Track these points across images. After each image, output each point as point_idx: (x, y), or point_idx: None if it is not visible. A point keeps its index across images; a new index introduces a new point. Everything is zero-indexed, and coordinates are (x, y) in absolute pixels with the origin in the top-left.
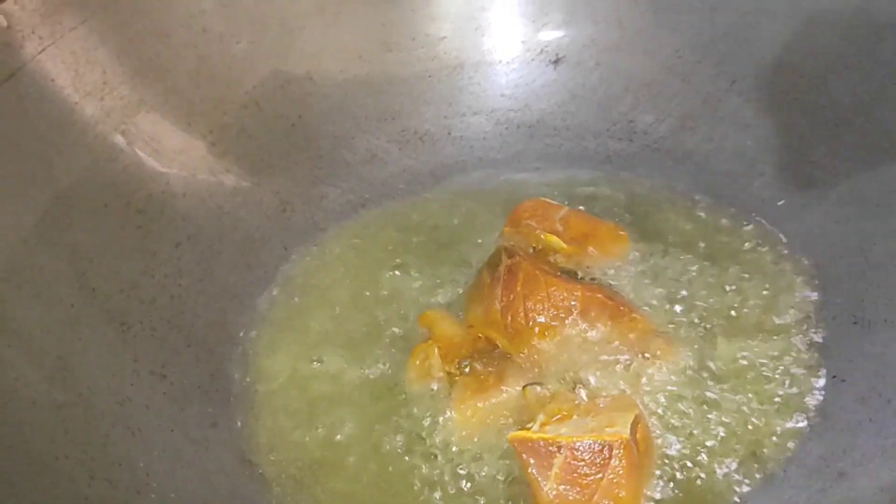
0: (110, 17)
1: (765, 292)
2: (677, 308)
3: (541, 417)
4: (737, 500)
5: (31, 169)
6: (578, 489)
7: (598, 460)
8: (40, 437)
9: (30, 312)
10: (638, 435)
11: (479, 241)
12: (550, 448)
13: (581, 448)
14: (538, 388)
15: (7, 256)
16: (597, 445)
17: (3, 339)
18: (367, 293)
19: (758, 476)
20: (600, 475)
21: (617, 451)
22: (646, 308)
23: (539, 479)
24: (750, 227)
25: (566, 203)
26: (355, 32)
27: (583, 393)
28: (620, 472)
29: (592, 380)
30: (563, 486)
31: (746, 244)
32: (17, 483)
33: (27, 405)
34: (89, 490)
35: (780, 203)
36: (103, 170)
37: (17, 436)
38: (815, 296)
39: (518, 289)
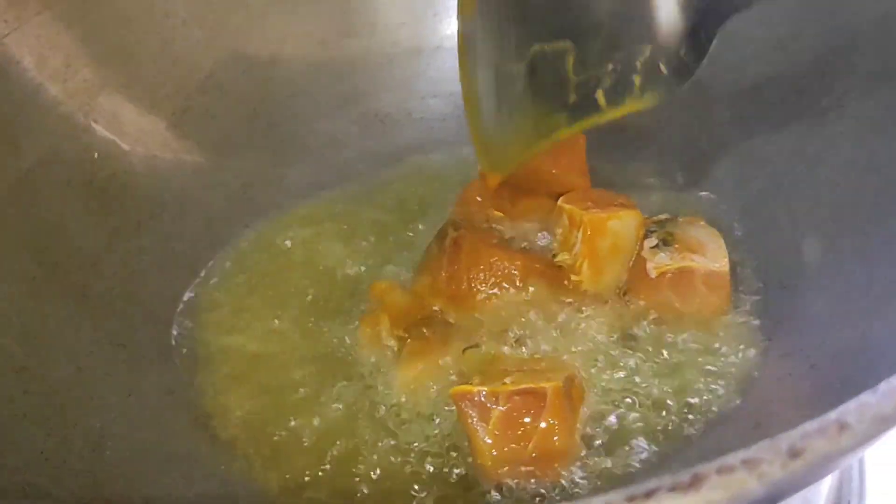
0: (75, 3)
1: None
2: None
3: (479, 377)
4: (655, 449)
5: None
6: (515, 437)
7: (532, 408)
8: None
9: None
10: (573, 393)
11: (435, 218)
12: (489, 400)
13: (516, 396)
14: (478, 350)
15: None
16: (531, 393)
17: None
18: (323, 268)
19: (684, 428)
20: (535, 423)
21: (551, 398)
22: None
23: (478, 430)
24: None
25: None
26: (317, 18)
27: (521, 353)
28: (554, 419)
29: (530, 342)
30: (500, 436)
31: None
32: None
33: None
34: (46, 446)
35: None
36: (66, 149)
37: None
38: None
39: (462, 259)
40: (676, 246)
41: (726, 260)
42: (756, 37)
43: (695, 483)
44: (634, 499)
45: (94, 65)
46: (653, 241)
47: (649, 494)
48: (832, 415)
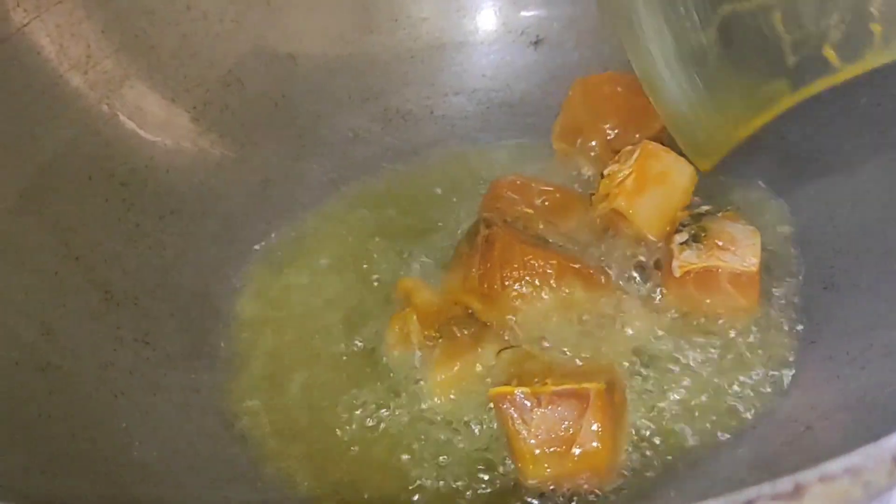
0: None
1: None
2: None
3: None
4: (707, 453)
5: (15, 140)
6: (558, 440)
7: (574, 411)
8: (24, 397)
9: (14, 279)
10: (615, 397)
11: (460, 215)
12: (530, 400)
13: (559, 397)
14: (514, 351)
15: None
16: (573, 395)
17: None
18: (347, 265)
19: (729, 430)
20: (578, 425)
21: (595, 401)
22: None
23: (520, 431)
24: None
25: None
26: (338, 14)
27: (558, 355)
28: (597, 422)
29: (566, 344)
30: (542, 437)
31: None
32: (1, 438)
33: (10, 366)
34: (71, 447)
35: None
36: (87, 142)
37: (1, 394)
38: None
39: (495, 257)
40: (706, 243)
41: (757, 260)
42: None
43: (797, 492)
44: None
45: (115, 56)
46: (684, 235)
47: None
48: None
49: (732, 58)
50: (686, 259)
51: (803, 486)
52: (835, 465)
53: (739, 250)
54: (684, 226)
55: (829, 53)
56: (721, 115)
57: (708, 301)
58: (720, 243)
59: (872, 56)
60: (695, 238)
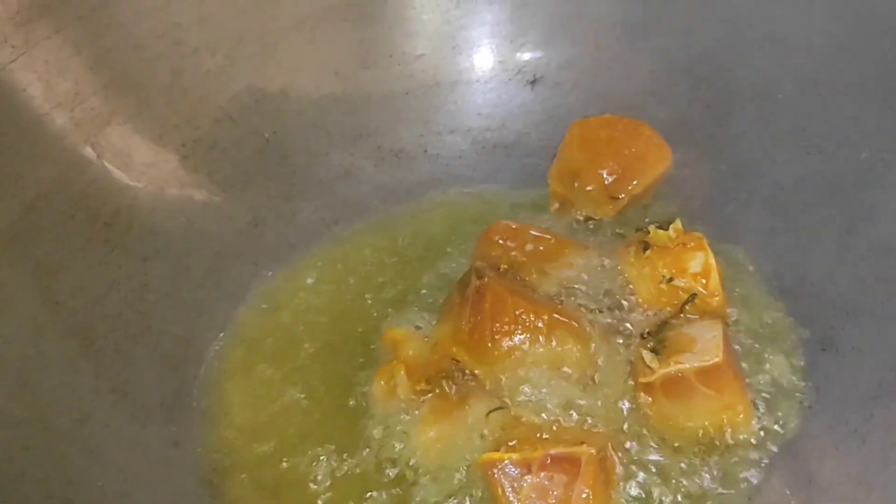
0: (84, 28)
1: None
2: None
3: (509, 444)
4: None
5: None
6: None
7: (565, 476)
8: None
9: None
10: (606, 463)
11: (452, 259)
12: (520, 467)
13: (550, 462)
14: (503, 412)
15: None
16: (565, 459)
17: None
18: (337, 311)
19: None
20: (569, 492)
21: (585, 467)
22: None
23: (510, 498)
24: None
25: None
26: (332, 49)
27: (548, 417)
28: (588, 488)
29: (557, 404)
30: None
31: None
32: None
33: None
34: None
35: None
36: (71, 181)
37: None
38: (788, 321)
39: (486, 309)
40: (664, 353)
41: (719, 350)
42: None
43: None
44: None
45: (102, 93)
46: (647, 353)
47: None
48: None
49: None
50: (647, 374)
51: None
52: None
53: (699, 347)
54: (646, 337)
55: None
56: None
57: (682, 415)
58: (679, 346)
59: None
60: (654, 351)
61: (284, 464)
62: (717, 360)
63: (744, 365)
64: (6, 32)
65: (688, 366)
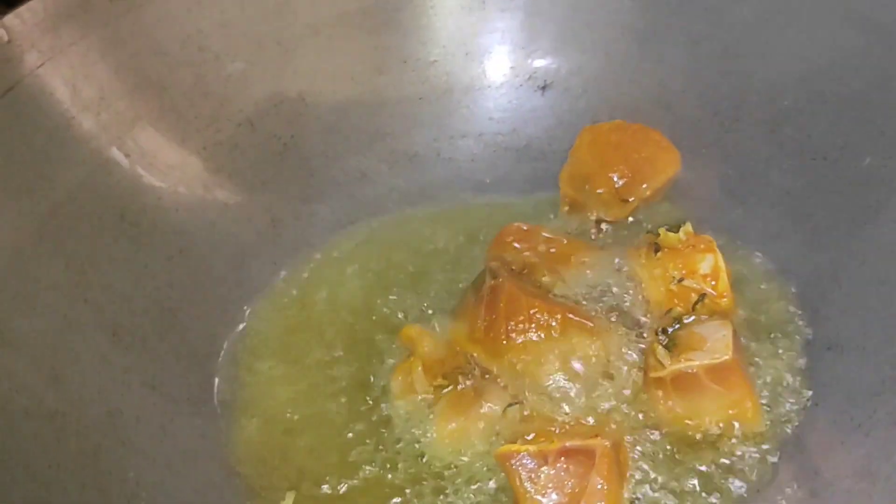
0: (109, 34)
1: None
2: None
3: (526, 438)
4: None
5: (28, 181)
6: (564, 496)
7: (581, 468)
8: (33, 446)
9: (24, 322)
10: (620, 455)
11: (465, 260)
12: (537, 458)
13: (565, 454)
14: (519, 408)
15: (3, 266)
16: (580, 452)
17: None
18: (354, 310)
19: (731, 493)
20: (584, 483)
21: (600, 458)
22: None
23: (528, 490)
24: (733, 252)
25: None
26: (348, 55)
27: (563, 411)
28: (603, 479)
29: (571, 400)
30: (549, 494)
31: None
32: (10, 491)
33: (21, 414)
34: (80, 499)
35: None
36: (99, 183)
37: (11, 444)
38: (795, 321)
39: (501, 308)
40: (674, 351)
41: (729, 349)
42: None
43: None
44: None
45: (127, 97)
46: (660, 349)
47: None
48: None
49: None
50: (658, 370)
51: None
52: None
53: (709, 346)
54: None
55: None
56: None
57: (693, 411)
58: (690, 345)
59: None
60: (666, 348)
61: (306, 456)
62: (726, 357)
63: (753, 362)
64: (33, 38)
65: (697, 363)
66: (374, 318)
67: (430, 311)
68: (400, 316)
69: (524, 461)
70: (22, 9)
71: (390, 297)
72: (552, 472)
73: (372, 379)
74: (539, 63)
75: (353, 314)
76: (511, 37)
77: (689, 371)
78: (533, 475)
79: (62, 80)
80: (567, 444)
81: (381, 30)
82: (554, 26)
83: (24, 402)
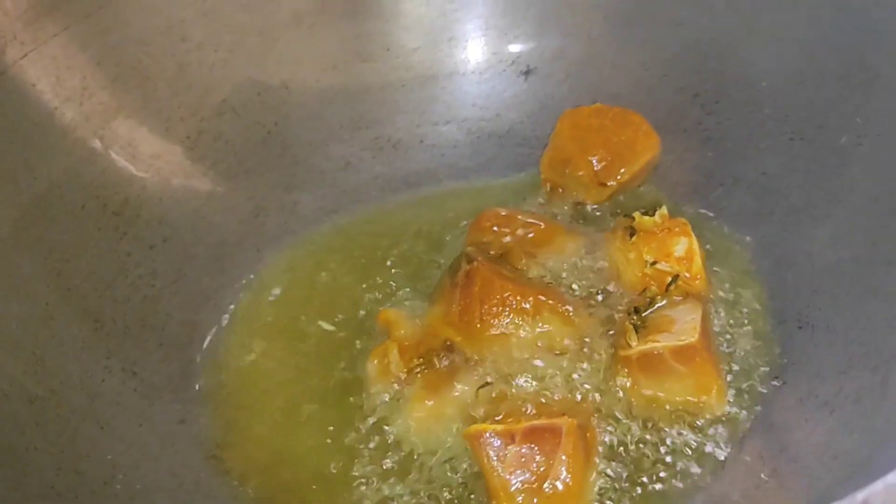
0: (91, 25)
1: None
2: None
3: (496, 418)
4: (677, 488)
5: (10, 171)
6: (530, 474)
7: (547, 445)
8: (12, 429)
9: (6, 309)
10: (587, 433)
11: (447, 245)
12: (504, 437)
13: (532, 433)
14: (491, 388)
15: None
16: (546, 430)
17: None
18: (336, 296)
19: (697, 470)
20: (551, 460)
21: (566, 435)
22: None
23: (495, 468)
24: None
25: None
26: (331, 43)
27: (533, 391)
28: (568, 457)
29: (541, 380)
30: (516, 472)
31: (708, 246)
32: None
33: (0, 398)
34: (57, 480)
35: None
36: (81, 173)
37: None
38: (768, 300)
39: (475, 292)
40: (642, 332)
41: (695, 332)
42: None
43: None
44: None
45: (110, 87)
46: (630, 328)
47: None
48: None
49: None
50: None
51: None
52: None
53: (677, 328)
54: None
55: None
56: None
57: (658, 388)
58: (658, 326)
59: None
60: (635, 328)
61: (285, 439)
62: (691, 340)
63: (724, 339)
64: (15, 30)
65: (662, 344)
66: (355, 304)
67: (410, 296)
68: (380, 302)
69: (491, 440)
70: (4, 0)
71: (372, 283)
72: (519, 450)
73: (352, 363)
74: (521, 48)
75: (334, 301)
76: (493, 22)
77: (656, 352)
78: (500, 454)
79: (44, 72)
80: (534, 423)
81: (362, 17)
82: (535, 11)
83: (4, 386)
